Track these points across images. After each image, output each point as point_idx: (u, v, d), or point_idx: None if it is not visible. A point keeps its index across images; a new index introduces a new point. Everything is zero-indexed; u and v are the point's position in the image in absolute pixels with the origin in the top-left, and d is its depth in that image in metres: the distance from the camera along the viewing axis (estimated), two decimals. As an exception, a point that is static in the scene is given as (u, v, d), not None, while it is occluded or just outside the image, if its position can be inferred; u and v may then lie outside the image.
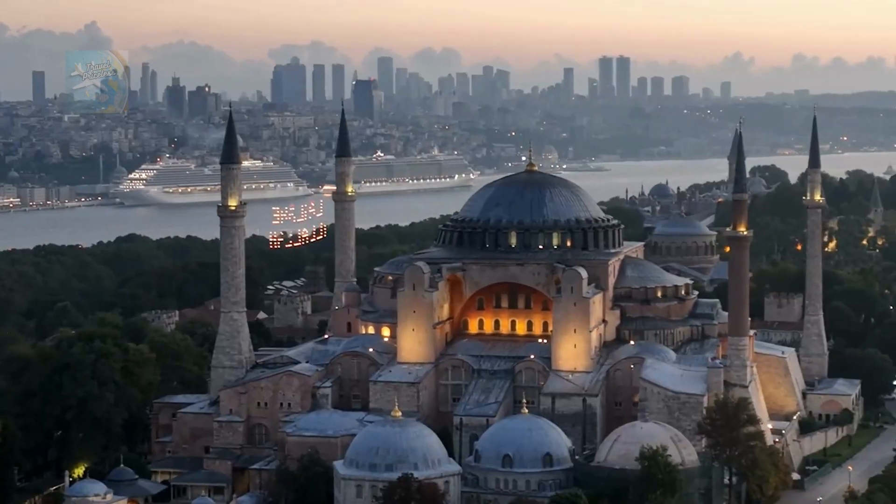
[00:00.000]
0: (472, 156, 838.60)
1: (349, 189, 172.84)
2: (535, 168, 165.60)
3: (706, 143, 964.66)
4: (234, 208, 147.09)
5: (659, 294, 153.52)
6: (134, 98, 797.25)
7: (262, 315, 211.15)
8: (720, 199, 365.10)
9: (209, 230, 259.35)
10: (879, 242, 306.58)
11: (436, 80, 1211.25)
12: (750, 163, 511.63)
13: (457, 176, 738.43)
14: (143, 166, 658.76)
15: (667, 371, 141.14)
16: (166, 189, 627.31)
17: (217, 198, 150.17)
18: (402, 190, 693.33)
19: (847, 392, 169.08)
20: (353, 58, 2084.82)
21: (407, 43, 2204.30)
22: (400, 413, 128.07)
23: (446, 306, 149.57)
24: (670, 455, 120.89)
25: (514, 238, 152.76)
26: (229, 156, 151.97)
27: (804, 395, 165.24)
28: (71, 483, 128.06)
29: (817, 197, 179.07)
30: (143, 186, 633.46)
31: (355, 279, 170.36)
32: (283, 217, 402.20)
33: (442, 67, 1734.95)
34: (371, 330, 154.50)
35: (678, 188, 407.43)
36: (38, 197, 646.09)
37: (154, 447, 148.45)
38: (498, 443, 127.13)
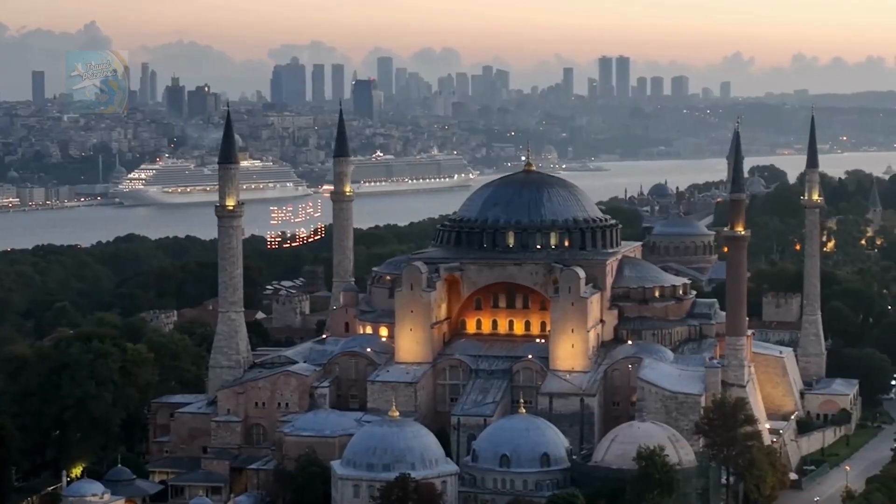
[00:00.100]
0: (471, 156, 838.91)
1: (347, 189, 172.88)
2: (533, 168, 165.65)
3: (705, 143, 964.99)
4: (231, 208, 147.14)
5: (657, 294, 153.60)
6: (133, 98, 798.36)
7: (260, 315, 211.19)
8: (719, 199, 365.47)
9: (208, 230, 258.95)
10: (878, 242, 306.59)
11: (435, 79, 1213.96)
12: (749, 163, 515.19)
13: (456, 176, 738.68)
14: (143, 166, 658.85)
15: (664, 371, 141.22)
16: (166, 189, 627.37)
17: (216, 198, 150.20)
18: (401, 190, 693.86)
19: (845, 392, 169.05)
20: (353, 58, 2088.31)
21: (406, 43, 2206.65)
22: (397, 413, 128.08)
23: (444, 306, 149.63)
24: (667, 455, 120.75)
25: (511, 238, 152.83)
26: (227, 156, 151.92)
27: (802, 394, 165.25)
28: (68, 483, 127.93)
29: (815, 197, 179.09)
30: (142, 186, 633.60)
31: (353, 279, 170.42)
32: (282, 217, 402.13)
33: (441, 67, 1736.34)
34: (369, 330, 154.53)
35: (677, 188, 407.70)
36: (37, 197, 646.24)
37: (152, 447, 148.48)
38: (495, 443, 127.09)
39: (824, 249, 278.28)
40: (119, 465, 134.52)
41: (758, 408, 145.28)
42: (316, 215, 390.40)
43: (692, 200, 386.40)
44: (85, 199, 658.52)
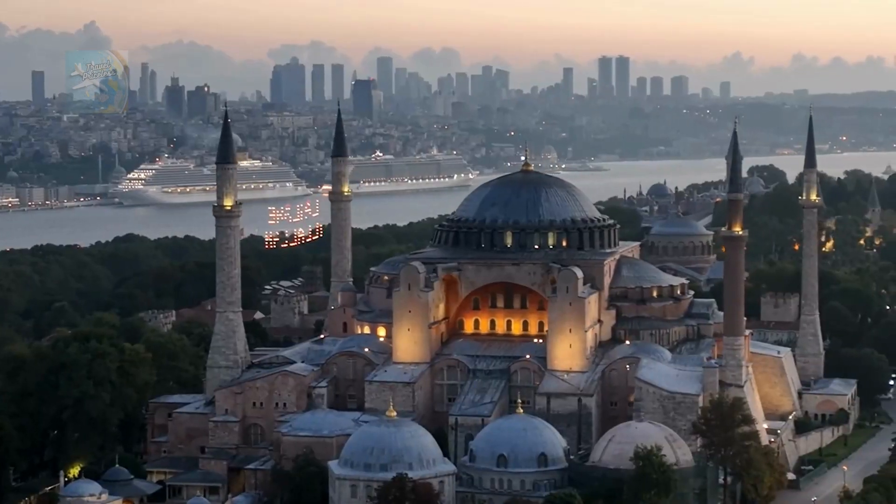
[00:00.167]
0: (471, 156, 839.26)
1: (345, 189, 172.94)
2: (531, 168, 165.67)
3: (705, 143, 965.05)
4: (229, 208, 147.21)
5: (654, 294, 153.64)
6: (133, 98, 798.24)
7: (259, 315, 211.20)
8: (718, 199, 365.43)
9: (207, 230, 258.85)
10: (877, 242, 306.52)
11: (435, 79, 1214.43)
12: (749, 163, 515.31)
13: (456, 176, 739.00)
14: (142, 166, 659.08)
15: (662, 371, 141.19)
16: (165, 189, 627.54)
17: (216, 198, 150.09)
18: (400, 190, 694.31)
19: (843, 392, 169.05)
20: (353, 58, 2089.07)
21: (406, 43, 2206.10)
22: (395, 413, 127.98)
23: (442, 306, 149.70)
24: (665, 455, 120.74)
25: (509, 238, 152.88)
26: (225, 156, 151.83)
27: (800, 394, 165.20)
28: (66, 483, 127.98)
29: (813, 197, 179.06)
30: (141, 186, 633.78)
31: (352, 279, 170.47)
32: (280, 217, 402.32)
33: (441, 67, 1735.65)
34: (367, 330, 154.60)
35: (676, 188, 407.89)
36: (36, 197, 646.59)
37: (150, 447, 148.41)
38: (493, 443, 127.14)
39: (823, 249, 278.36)
40: (117, 465, 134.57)
41: (755, 408, 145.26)
42: (314, 215, 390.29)
43: (691, 200, 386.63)
44: (84, 199, 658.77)
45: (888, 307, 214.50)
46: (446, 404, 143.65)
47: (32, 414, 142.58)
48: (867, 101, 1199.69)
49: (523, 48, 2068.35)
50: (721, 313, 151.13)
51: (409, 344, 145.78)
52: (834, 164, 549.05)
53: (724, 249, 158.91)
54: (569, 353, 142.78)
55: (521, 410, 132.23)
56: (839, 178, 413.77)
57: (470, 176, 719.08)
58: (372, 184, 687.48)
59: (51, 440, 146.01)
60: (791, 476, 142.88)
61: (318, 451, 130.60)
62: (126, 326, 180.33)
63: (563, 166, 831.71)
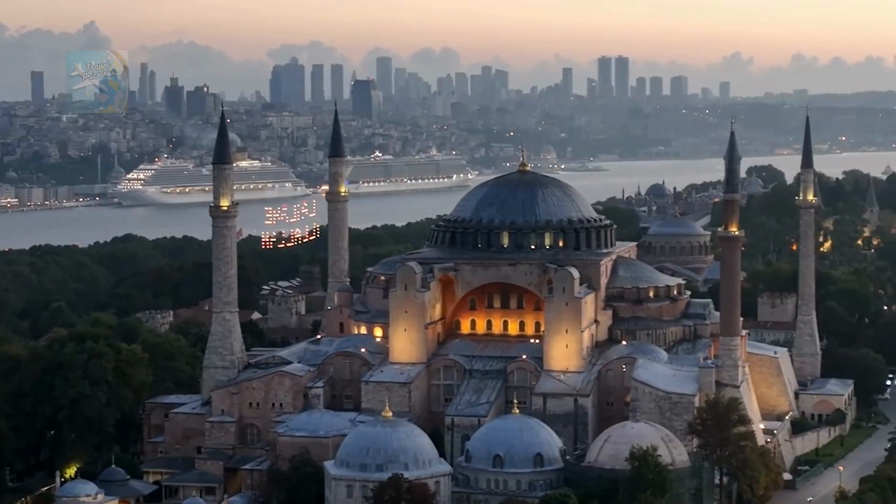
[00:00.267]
0: (470, 156, 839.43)
1: (342, 189, 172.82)
2: (528, 168, 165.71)
3: (705, 143, 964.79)
4: (226, 208, 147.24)
5: (651, 294, 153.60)
6: (132, 98, 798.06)
7: (256, 315, 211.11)
8: (716, 199, 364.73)
9: (206, 230, 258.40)
10: (875, 242, 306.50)
11: (434, 80, 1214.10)
12: (748, 163, 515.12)
13: (455, 176, 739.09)
14: (141, 166, 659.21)
15: (658, 371, 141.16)
16: (164, 189, 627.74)
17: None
18: (400, 190, 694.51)
19: (840, 392, 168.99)
20: (352, 58, 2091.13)
21: (406, 43, 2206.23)
22: (391, 413, 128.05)
23: (438, 306, 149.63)
24: (660, 455, 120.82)
25: (506, 238, 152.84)
26: (221, 156, 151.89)
27: (797, 395, 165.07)
28: (62, 483, 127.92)
29: (810, 197, 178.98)
30: (140, 186, 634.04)
31: (349, 279, 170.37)
32: (277, 217, 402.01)
33: (441, 67, 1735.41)
34: (363, 330, 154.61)
35: (674, 188, 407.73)
36: (35, 197, 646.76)
37: (146, 447, 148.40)
38: (489, 443, 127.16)
39: (821, 249, 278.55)
40: (113, 466, 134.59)
41: (752, 408, 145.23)
42: (311, 216, 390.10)
43: (689, 201, 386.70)
44: (83, 200, 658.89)
45: (885, 307, 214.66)
46: (443, 404, 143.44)
47: (28, 414, 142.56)
48: (867, 101, 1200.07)
49: (523, 48, 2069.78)
50: (718, 313, 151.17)
51: (405, 344, 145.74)
52: (833, 165, 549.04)
53: (720, 249, 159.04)
54: (565, 353, 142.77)
55: (517, 411, 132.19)
56: (837, 179, 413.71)
57: (469, 176, 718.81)
58: (371, 184, 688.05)
59: (47, 440, 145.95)
60: (787, 476, 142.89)
61: (315, 452, 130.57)
62: (123, 327, 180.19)
63: (563, 166, 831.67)
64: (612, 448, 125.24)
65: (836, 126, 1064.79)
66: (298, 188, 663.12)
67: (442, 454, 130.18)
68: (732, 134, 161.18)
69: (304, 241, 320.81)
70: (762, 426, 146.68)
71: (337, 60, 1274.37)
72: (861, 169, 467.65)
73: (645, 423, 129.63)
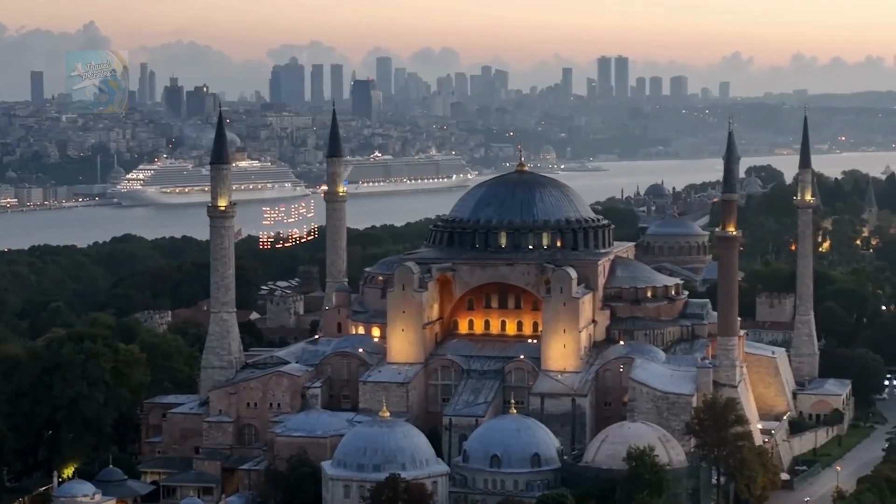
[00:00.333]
0: (469, 156, 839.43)
1: (340, 189, 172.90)
2: (526, 168, 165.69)
3: (704, 143, 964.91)
4: (223, 209, 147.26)
5: (649, 294, 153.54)
6: (132, 98, 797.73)
7: (255, 315, 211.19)
8: (715, 199, 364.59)
9: (205, 230, 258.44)
10: (873, 242, 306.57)
11: (434, 80, 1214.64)
12: (748, 163, 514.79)
13: (454, 176, 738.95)
14: (141, 166, 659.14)
15: (656, 371, 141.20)
16: (164, 189, 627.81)
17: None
18: (399, 190, 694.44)
19: (837, 392, 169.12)
20: (352, 58, 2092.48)
21: (406, 43, 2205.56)
22: (388, 413, 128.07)
23: (436, 306, 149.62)
24: (658, 455, 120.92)
25: (504, 238, 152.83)
26: (219, 156, 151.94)
27: (794, 395, 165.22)
28: (59, 483, 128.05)
29: (808, 197, 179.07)
30: (140, 187, 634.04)
31: (347, 279, 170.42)
32: (274, 217, 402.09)
33: (440, 67, 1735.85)
34: (361, 330, 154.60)
35: (673, 188, 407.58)
36: (35, 197, 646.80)
37: (144, 447, 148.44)
38: (486, 443, 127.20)
39: (820, 250, 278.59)
40: (110, 466, 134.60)
41: (749, 408, 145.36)
42: (309, 216, 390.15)
43: (688, 201, 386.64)
44: (83, 200, 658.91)
45: (883, 307, 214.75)
46: (440, 405, 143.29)
47: (26, 414, 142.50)
48: (866, 101, 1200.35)
49: (523, 48, 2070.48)
50: (715, 313, 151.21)
51: (403, 344, 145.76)
52: (833, 164, 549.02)
53: (718, 249, 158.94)
54: (563, 353, 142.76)
55: (515, 411, 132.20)
56: (836, 179, 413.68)
57: (469, 176, 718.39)
58: (370, 184, 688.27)
59: (45, 440, 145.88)
60: (785, 476, 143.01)
61: (312, 452, 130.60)
62: (122, 327, 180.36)
63: (562, 166, 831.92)
64: (609, 448, 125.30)
65: (836, 126, 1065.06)
66: (298, 188, 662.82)
67: (440, 454, 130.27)
68: (730, 134, 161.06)
69: (303, 241, 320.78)
70: (760, 426, 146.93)
71: (337, 60, 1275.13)
72: (861, 169, 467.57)
73: (642, 423, 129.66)
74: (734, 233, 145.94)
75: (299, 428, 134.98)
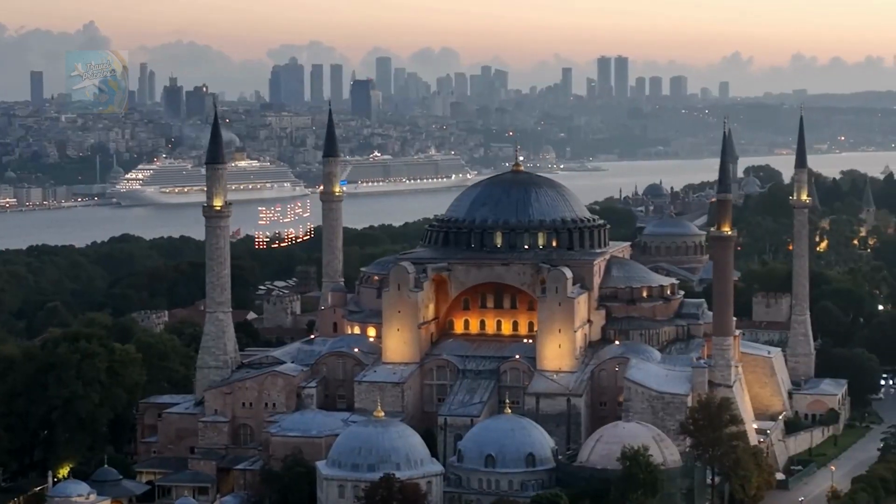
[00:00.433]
0: (469, 156, 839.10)
1: (336, 189, 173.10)
2: (521, 168, 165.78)
3: (704, 143, 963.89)
4: (219, 208, 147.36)
5: (644, 294, 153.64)
6: (132, 98, 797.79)
7: (252, 315, 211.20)
8: (712, 199, 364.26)
9: (203, 230, 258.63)
10: (871, 242, 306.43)
11: (434, 80, 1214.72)
12: (747, 162, 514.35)
13: (454, 176, 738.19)
14: (140, 166, 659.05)
15: (651, 371, 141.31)
16: (163, 189, 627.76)
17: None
18: (399, 190, 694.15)
19: (833, 392, 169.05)
20: (352, 58, 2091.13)
21: (405, 43, 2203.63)
22: (383, 413, 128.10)
23: (432, 306, 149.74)
24: (652, 455, 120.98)
25: (499, 238, 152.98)
26: (214, 156, 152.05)
27: (790, 394, 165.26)
28: (54, 483, 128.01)
29: (804, 197, 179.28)
30: (139, 186, 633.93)
31: (343, 279, 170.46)
32: (270, 217, 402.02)
33: (440, 67, 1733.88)
34: (357, 330, 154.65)
35: (671, 188, 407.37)
36: (34, 197, 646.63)
37: (139, 447, 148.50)
38: (481, 443, 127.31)
39: (817, 249, 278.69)
40: (106, 466, 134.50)
41: (745, 408, 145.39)
42: (305, 215, 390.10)
43: (686, 200, 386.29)
44: (82, 200, 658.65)
45: (880, 307, 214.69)
46: (436, 404, 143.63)
47: (21, 414, 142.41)
48: (866, 101, 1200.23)
49: (522, 48, 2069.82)
50: (711, 313, 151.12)
51: (398, 344, 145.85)
52: (832, 164, 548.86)
53: (713, 249, 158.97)
54: (558, 353, 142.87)
55: (510, 410, 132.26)
56: (834, 179, 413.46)
57: (468, 176, 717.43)
58: (370, 184, 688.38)
59: (40, 440, 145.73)
60: (780, 476, 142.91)
61: (307, 452, 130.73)
62: (118, 327, 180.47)
63: (562, 166, 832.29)
64: (603, 448, 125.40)
65: (836, 126, 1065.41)
66: (297, 188, 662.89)
67: (435, 454, 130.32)
68: (725, 134, 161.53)
69: (298, 241, 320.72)
70: (755, 426, 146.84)
71: (336, 60, 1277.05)
72: (860, 169, 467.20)
73: (637, 423, 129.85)
74: (729, 233, 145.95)
75: (294, 428, 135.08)
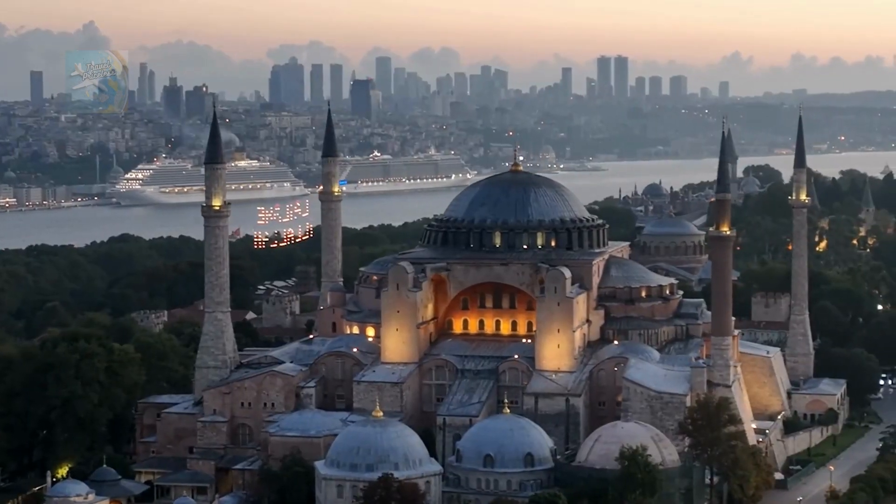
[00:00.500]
0: (469, 155, 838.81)
1: (335, 189, 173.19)
2: (520, 168, 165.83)
3: (704, 143, 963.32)
4: (217, 208, 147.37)
5: (643, 294, 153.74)
6: (132, 98, 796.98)
7: (251, 315, 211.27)
8: (712, 199, 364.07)
9: (202, 230, 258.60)
10: (870, 242, 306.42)
11: (434, 79, 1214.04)
12: (747, 162, 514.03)
13: (454, 176, 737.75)
14: (140, 166, 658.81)
15: (650, 371, 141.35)
16: (162, 189, 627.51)
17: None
18: (398, 190, 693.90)
19: (832, 392, 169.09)
20: (352, 57, 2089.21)
21: (405, 43, 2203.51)
22: (381, 413, 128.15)
23: (430, 306, 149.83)
24: (650, 455, 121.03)
25: (498, 238, 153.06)
26: (213, 156, 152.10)
27: (789, 394, 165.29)
28: (53, 483, 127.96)
29: (802, 197, 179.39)
30: (139, 186, 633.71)
31: (342, 279, 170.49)
32: (269, 217, 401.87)
33: (440, 67, 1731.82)
34: (356, 330, 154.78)
35: (671, 188, 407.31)
36: (34, 197, 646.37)
37: (138, 447, 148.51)
38: (479, 443, 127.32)
39: (817, 249, 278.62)
40: (104, 466, 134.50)
41: (744, 408, 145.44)
42: (304, 215, 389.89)
43: (686, 200, 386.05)
44: (82, 200, 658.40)
45: (879, 307, 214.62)
46: (435, 404, 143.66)
47: (20, 414, 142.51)
48: (866, 100, 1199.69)
49: (522, 48, 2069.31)
50: (710, 313, 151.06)
51: (397, 344, 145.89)
52: (832, 164, 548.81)
53: (711, 249, 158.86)
54: (557, 353, 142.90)
55: (508, 410, 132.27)
56: (834, 178, 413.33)
57: (468, 176, 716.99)
58: (369, 184, 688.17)
59: (39, 440, 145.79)
60: (779, 476, 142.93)
61: (306, 452, 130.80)
62: (117, 327, 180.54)
63: (562, 166, 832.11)
64: (602, 448, 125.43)
65: (836, 126, 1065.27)
66: (297, 188, 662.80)
67: (433, 454, 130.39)
68: (723, 134, 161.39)
69: (297, 241, 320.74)
70: (754, 426, 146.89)
71: (336, 60, 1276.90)
72: (860, 168, 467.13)
73: (635, 423, 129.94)
74: (728, 232, 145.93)
75: (293, 428, 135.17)
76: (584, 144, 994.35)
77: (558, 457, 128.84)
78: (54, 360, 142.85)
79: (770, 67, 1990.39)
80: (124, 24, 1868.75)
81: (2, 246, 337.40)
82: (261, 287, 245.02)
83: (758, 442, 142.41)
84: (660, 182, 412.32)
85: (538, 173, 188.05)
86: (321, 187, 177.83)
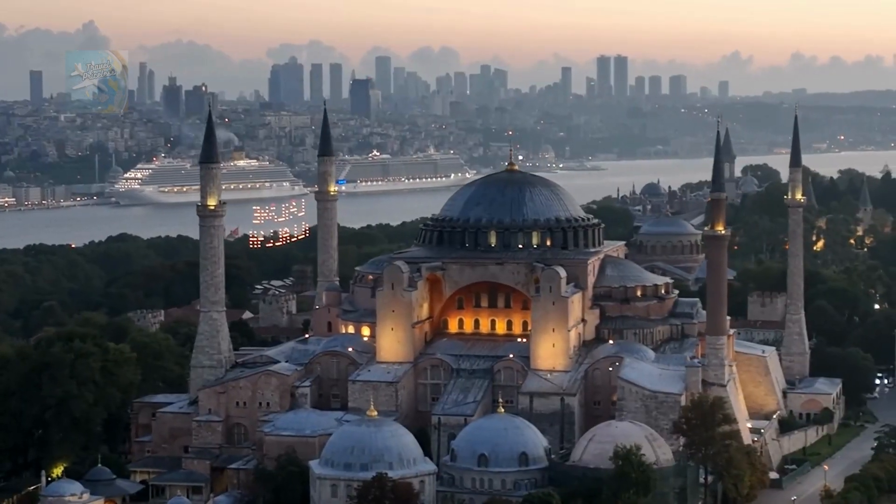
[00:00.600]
0: (468, 155, 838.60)
1: (331, 188, 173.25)
2: (516, 167, 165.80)
3: (703, 142, 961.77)
4: (213, 208, 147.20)
5: (638, 293, 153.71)
6: (131, 98, 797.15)
7: (248, 314, 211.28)
8: (709, 199, 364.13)
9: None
10: (867, 241, 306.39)
11: (433, 79, 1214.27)
12: (746, 161, 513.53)
13: (453, 175, 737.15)
14: (139, 166, 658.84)
15: (645, 370, 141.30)
16: (162, 188, 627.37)
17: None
18: (398, 189, 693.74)
19: (828, 391, 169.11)
20: (351, 57, 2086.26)
21: (405, 42, 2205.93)
22: (376, 412, 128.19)
23: (426, 305, 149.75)
24: (644, 454, 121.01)
25: (493, 237, 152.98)
26: (209, 155, 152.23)
27: (785, 393, 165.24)
28: (48, 483, 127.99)
29: (798, 196, 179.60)
30: (138, 186, 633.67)
31: (338, 279, 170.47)
32: (265, 216, 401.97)
33: (440, 67, 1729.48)
34: (351, 329, 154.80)
35: (669, 187, 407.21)
36: (33, 196, 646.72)
37: (133, 447, 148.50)
38: (474, 442, 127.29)
39: (814, 248, 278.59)
40: (99, 465, 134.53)
41: (739, 407, 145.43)
42: (300, 215, 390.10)
43: (684, 200, 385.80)
44: (81, 199, 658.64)
45: (875, 306, 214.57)
46: (430, 404, 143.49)
47: (15, 414, 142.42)
48: (865, 100, 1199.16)
49: (522, 48, 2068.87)
50: (705, 312, 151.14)
51: (392, 343, 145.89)
52: (831, 164, 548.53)
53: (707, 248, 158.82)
54: (552, 352, 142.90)
55: (503, 410, 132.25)
56: (831, 178, 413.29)
57: (467, 175, 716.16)
58: (369, 183, 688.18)
59: (34, 440, 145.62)
60: (774, 475, 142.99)
61: (301, 451, 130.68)
62: (113, 326, 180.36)
63: (561, 165, 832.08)
64: (596, 447, 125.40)
65: (835, 125, 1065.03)
66: (296, 188, 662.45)
67: (428, 453, 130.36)
68: (719, 134, 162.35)
69: (293, 240, 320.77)
70: (749, 425, 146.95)
71: (336, 60, 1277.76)
72: (859, 168, 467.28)
73: (630, 423, 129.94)
74: (723, 232, 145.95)
75: (288, 427, 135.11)
76: (583, 144, 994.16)
77: (553, 456, 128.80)
78: (49, 360, 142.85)
79: (770, 67, 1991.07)
80: (124, 24, 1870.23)
81: (0, 245, 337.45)
82: (258, 287, 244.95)
83: (753, 441, 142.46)
84: (658, 181, 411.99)
85: (538, 173, 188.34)
86: (317, 187, 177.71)
